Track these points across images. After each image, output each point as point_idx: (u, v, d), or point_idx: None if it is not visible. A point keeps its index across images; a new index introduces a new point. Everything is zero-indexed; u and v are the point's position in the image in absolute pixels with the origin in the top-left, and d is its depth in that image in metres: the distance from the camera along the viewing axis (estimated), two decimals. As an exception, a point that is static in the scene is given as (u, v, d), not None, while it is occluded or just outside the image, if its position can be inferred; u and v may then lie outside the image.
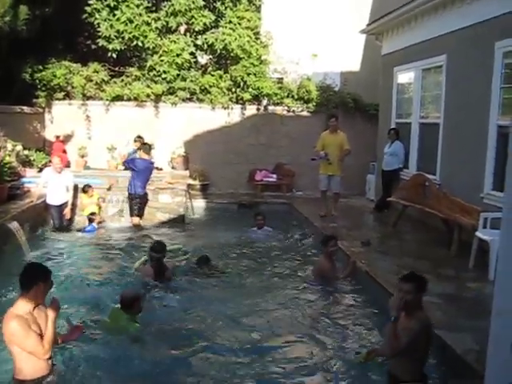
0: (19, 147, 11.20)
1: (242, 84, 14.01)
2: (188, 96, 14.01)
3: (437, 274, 6.89)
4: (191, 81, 13.94)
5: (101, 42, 13.49)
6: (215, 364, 5.04)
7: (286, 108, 14.44)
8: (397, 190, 10.63)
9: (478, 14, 8.49)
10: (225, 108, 14.22)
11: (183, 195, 11.66)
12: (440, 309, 5.63)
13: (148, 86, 13.75)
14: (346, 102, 14.33)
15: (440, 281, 6.57)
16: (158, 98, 13.91)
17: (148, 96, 13.77)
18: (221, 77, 14.16)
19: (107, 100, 13.76)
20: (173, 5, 13.59)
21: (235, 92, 14.16)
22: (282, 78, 14.93)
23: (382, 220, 11.27)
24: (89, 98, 13.82)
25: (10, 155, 10.63)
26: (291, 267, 8.22)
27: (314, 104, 14.39)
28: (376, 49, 13.52)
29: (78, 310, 6.12)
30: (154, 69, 13.69)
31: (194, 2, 13.53)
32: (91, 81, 13.62)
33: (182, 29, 14.36)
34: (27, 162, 11.50)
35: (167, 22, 13.82)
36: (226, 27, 13.88)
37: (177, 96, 13.90)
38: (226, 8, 14.24)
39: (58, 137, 13.23)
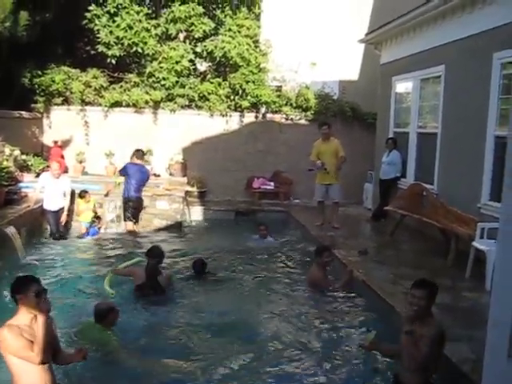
0: (17, 152, 11.18)
1: (240, 92, 14.04)
2: (187, 103, 14.03)
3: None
4: (190, 88, 13.96)
5: (100, 48, 13.51)
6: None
7: (284, 116, 14.47)
8: (394, 200, 10.63)
9: (476, 25, 8.54)
10: (223, 115, 14.24)
11: (181, 202, 11.66)
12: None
13: (147, 93, 13.77)
14: (344, 111, 14.37)
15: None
16: (156, 105, 13.92)
17: (147, 102, 13.79)
18: (219, 84, 14.19)
19: (106, 106, 13.76)
20: (173, 12, 13.64)
21: (234, 99, 14.18)
22: (280, 86, 14.96)
23: (379, 229, 11.27)
24: (87, 103, 13.82)
25: (7, 160, 10.61)
26: (288, 275, 8.21)
27: (313, 112, 14.42)
28: (375, 58, 13.57)
29: (72, 315, 6.10)
30: (153, 75, 13.71)
31: (193, 10, 13.58)
32: (90, 86, 13.62)
33: (182, 36, 14.40)
34: (25, 167, 11.49)
35: (167, 29, 13.86)
36: (225, 35, 13.92)
37: (175, 103, 13.91)
38: (225, 16, 14.29)
39: (56, 142, 13.22)
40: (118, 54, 13.52)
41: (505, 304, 2.99)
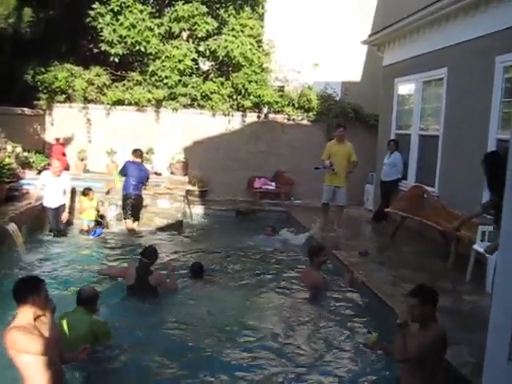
0: (19, 149, 11.19)
1: (243, 91, 14.05)
2: (189, 102, 14.04)
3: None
4: (192, 87, 13.97)
5: (103, 46, 13.53)
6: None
7: (286, 116, 14.47)
8: (395, 201, 10.63)
9: (479, 28, 8.54)
10: (225, 115, 14.24)
11: (182, 201, 11.66)
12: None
13: (149, 91, 13.78)
14: (346, 112, 14.37)
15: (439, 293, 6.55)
16: (158, 104, 13.93)
17: (149, 101, 13.80)
18: (222, 84, 14.20)
19: (108, 104, 13.77)
20: (176, 11, 13.65)
21: (236, 99, 14.19)
22: (283, 87, 14.98)
23: (379, 231, 11.27)
24: (90, 101, 13.83)
25: (9, 156, 10.62)
26: (285, 275, 8.18)
27: (315, 113, 14.43)
28: (377, 59, 13.58)
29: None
30: (156, 74, 13.73)
31: (197, 9, 13.59)
32: (93, 84, 13.64)
33: (185, 35, 14.42)
34: (26, 164, 11.50)
35: (170, 28, 13.88)
36: (228, 34, 13.93)
37: (178, 102, 13.92)
38: (229, 15, 14.30)
39: (57, 139, 13.23)
40: (121, 53, 13.53)
41: (506, 307, 2.99)
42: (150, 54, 13.74)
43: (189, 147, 14.14)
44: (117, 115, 13.96)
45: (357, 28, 14.54)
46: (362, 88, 15.45)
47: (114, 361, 5.18)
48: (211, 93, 13.98)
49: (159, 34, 13.79)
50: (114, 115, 13.98)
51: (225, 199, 13.87)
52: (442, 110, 9.88)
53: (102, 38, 13.43)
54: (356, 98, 14.80)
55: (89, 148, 13.73)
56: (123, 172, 10.47)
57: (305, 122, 14.54)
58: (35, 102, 13.63)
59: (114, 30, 13.37)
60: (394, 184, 11.38)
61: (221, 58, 13.93)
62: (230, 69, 14.49)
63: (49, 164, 11.84)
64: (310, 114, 14.45)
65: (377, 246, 9.94)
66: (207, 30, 13.83)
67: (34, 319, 3.89)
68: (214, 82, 14.18)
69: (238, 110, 14.33)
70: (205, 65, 15.18)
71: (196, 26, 13.78)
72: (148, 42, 13.53)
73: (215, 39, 13.96)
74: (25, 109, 12.82)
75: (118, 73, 14.27)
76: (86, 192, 10.64)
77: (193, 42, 14.27)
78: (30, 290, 3.91)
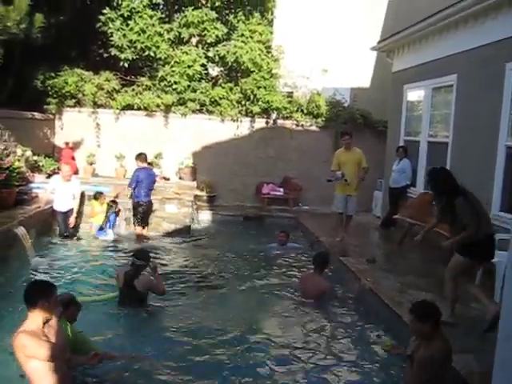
0: (29, 153, 11.26)
1: (251, 97, 14.06)
2: (198, 107, 14.07)
3: (441, 293, 6.85)
4: (201, 92, 14.01)
5: (113, 51, 13.60)
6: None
7: (295, 122, 14.47)
8: (403, 208, 10.59)
9: (489, 35, 8.52)
10: (234, 120, 14.27)
11: (190, 206, 11.68)
12: (444, 329, 5.58)
13: (158, 96, 13.82)
14: (355, 118, 14.34)
15: (444, 300, 6.51)
16: (167, 109, 13.97)
17: (158, 106, 13.85)
18: (231, 89, 14.23)
19: (117, 109, 13.83)
20: (186, 16, 13.70)
21: (245, 105, 14.21)
22: (291, 92, 14.98)
23: (387, 237, 11.23)
24: (99, 106, 13.90)
25: (19, 160, 10.67)
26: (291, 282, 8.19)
27: (324, 119, 14.42)
28: (386, 66, 13.57)
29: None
30: (165, 79, 13.77)
31: (206, 14, 13.64)
32: (102, 89, 13.70)
33: (194, 40, 14.47)
34: (36, 168, 11.56)
35: (179, 33, 13.93)
36: (237, 40, 13.97)
37: (187, 107, 13.96)
38: (238, 21, 14.34)
39: (67, 143, 13.32)
40: (130, 58, 13.60)
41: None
42: (160, 59, 13.80)
43: (197, 152, 14.17)
44: (126, 120, 14.01)
45: (366, 34, 14.53)
46: (371, 94, 15.43)
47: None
48: (220, 98, 14.01)
49: (169, 39, 13.85)
50: (123, 120, 14.03)
51: (233, 205, 13.87)
52: (451, 117, 9.85)
53: (112, 42, 13.51)
54: (365, 104, 14.78)
55: (98, 152, 13.79)
56: (134, 183, 10.24)
57: (313, 128, 14.53)
58: (45, 107, 13.70)
59: (124, 35, 13.44)
60: (402, 191, 11.34)
61: (230, 63, 13.96)
62: (238, 74, 14.52)
63: (58, 168, 11.92)
64: (319, 120, 14.45)
65: (385, 252, 9.90)
66: (216, 36, 13.86)
67: (43, 324, 3.90)
68: (223, 88, 14.21)
69: (246, 115, 14.35)
70: (214, 70, 15.21)
71: (205, 32, 13.83)
72: (157, 47, 13.59)
73: (224, 45, 13.99)
74: (35, 113, 12.90)
75: (128, 78, 14.34)
76: (97, 196, 10.68)
77: (202, 48, 14.32)
78: (40, 294, 3.92)
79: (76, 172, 12.42)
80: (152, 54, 13.67)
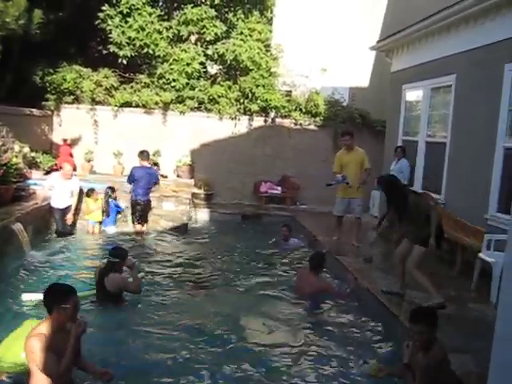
0: (26, 149, 11.23)
1: (250, 95, 14.05)
2: (196, 105, 14.06)
3: (441, 294, 6.86)
4: (200, 90, 14.00)
5: (112, 48, 13.56)
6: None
7: (293, 121, 14.47)
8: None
9: (489, 36, 8.52)
10: (232, 119, 14.26)
11: (187, 204, 11.67)
12: (440, 329, 5.57)
13: (157, 94, 13.81)
14: (353, 118, 14.36)
15: (445, 301, 6.53)
16: (166, 106, 13.96)
17: (156, 103, 13.83)
18: (230, 87, 14.22)
19: (116, 106, 13.81)
20: (185, 14, 13.68)
21: (243, 103, 14.20)
22: (290, 91, 14.97)
23: (384, 237, 11.21)
24: (98, 102, 13.87)
25: (17, 156, 10.64)
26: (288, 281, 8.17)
27: (322, 118, 14.42)
28: (385, 65, 13.57)
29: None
30: (164, 77, 13.75)
31: (205, 12, 13.62)
32: (101, 86, 13.67)
33: (193, 38, 14.45)
34: (34, 164, 11.53)
35: (179, 31, 13.91)
36: (236, 38, 13.95)
37: (185, 105, 13.95)
38: (237, 19, 14.32)
39: (65, 140, 13.28)
40: (129, 55, 13.57)
41: None
42: (159, 56, 13.77)
43: (195, 150, 14.16)
44: (124, 117, 13.99)
45: (365, 34, 14.55)
46: (370, 94, 15.45)
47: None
48: (218, 96, 14.00)
49: (168, 36, 13.82)
50: (121, 117, 14.01)
51: (230, 203, 13.86)
52: (449, 117, 9.85)
53: (111, 39, 13.47)
54: (363, 103, 14.81)
55: (96, 149, 13.76)
56: (131, 180, 10.40)
57: (312, 126, 14.54)
58: (43, 103, 13.67)
59: (123, 32, 13.41)
60: (400, 190, 11.33)
61: (229, 61, 13.94)
62: (237, 73, 14.51)
63: (56, 164, 11.91)
64: (317, 119, 14.45)
65: (382, 252, 9.90)
66: (215, 34, 13.84)
67: (60, 329, 3.85)
68: (222, 86, 14.20)
69: (244, 113, 14.35)
70: (213, 68, 15.20)
71: (204, 30, 13.81)
72: (156, 44, 13.57)
73: (223, 43, 13.97)
74: (33, 109, 12.87)
75: (126, 75, 14.31)
76: (89, 193, 10.67)
77: (201, 46, 14.30)
78: (57, 298, 3.85)
79: (74, 169, 12.38)
80: (151, 52, 13.64)
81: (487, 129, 8.39)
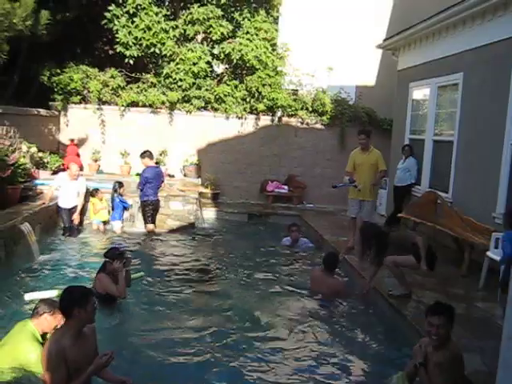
0: (34, 149, 11.28)
1: (256, 94, 14.05)
2: (203, 105, 14.07)
3: (446, 293, 6.86)
4: (206, 89, 14.00)
5: (118, 48, 13.60)
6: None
7: (299, 120, 14.46)
8: (408, 207, 10.55)
9: (496, 33, 8.48)
10: (239, 118, 14.26)
11: (194, 203, 11.69)
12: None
13: (163, 93, 13.83)
14: (360, 116, 14.33)
15: (449, 300, 6.45)
16: (172, 106, 13.97)
17: (163, 103, 13.85)
18: (236, 87, 14.22)
19: (122, 105, 13.84)
20: (191, 13, 13.69)
21: (250, 102, 14.20)
22: (297, 90, 14.95)
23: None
24: (104, 102, 13.91)
25: (24, 157, 10.71)
26: (295, 280, 8.17)
27: (328, 117, 14.39)
28: (392, 64, 13.53)
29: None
30: (170, 76, 13.77)
31: (212, 12, 13.62)
32: (107, 86, 13.71)
33: (200, 37, 14.46)
34: (41, 164, 11.58)
35: (185, 31, 13.92)
36: (243, 38, 13.95)
37: (192, 104, 13.96)
38: (243, 19, 14.31)
39: (72, 140, 13.32)
40: (135, 55, 13.59)
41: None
42: (165, 56, 13.79)
43: (202, 149, 14.18)
44: (131, 117, 14.02)
45: (371, 32, 14.52)
46: (377, 92, 15.41)
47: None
48: (225, 95, 14.00)
49: (174, 36, 13.84)
50: (128, 117, 14.04)
51: (237, 202, 13.86)
52: (456, 116, 9.81)
53: (118, 39, 13.50)
54: (370, 102, 14.77)
55: (103, 149, 13.80)
56: (145, 180, 10.32)
57: (318, 125, 14.51)
58: (50, 103, 13.73)
59: (130, 32, 13.44)
60: (407, 189, 11.32)
61: (235, 61, 13.94)
62: (244, 72, 14.50)
63: (63, 164, 11.94)
64: (324, 117, 14.41)
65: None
66: (222, 33, 13.84)
67: (79, 332, 3.83)
68: (228, 85, 14.21)
69: (251, 113, 14.34)
70: (219, 68, 15.21)
71: (211, 29, 13.81)
72: (163, 44, 13.59)
73: (230, 42, 13.97)
74: (40, 110, 12.91)
75: (133, 74, 14.33)
76: (94, 193, 10.70)
77: (207, 45, 14.31)
78: (76, 302, 3.79)
79: (81, 169, 12.43)
80: (157, 51, 13.67)
81: (495, 126, 8.34)
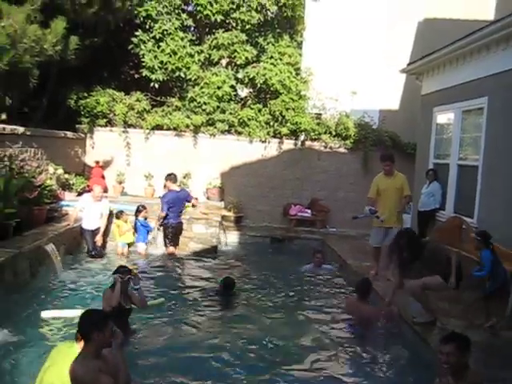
0: (60, 171, 11.46)
1: (280, 118, 14.14)
2: (226, 128, 14.18)
3: (469, 320, 6.72)
4: (230, 113, 14.13)
5: (144, 72, 13.85)
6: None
7: (323, 144, 14.46)
8: (432, 232, 10.43)
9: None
10: (262, 141, 14.33)
11: (217, 226, 11.71)
12: (471, 357, 5.46)
13: (188, 117, 13.99)
14: (383, 140, 14.28)
15: (472, 327, 6.38)
16: (196, 129, 14.11)
17: (187, 126, 13.99)
18: (260, 110, 14.33)
19: (147, 128, 14.02)
20: (216, 38, 13.90)
21: (273, 126, 14.28)
22: (320, 114, 15.00)
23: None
24: (130, 125, 14.11)
25: (51, 178, 10.89)
26: (321, 305, 8.11)
27: (352, 141, 14.37)
28: (416, 88, 13.49)
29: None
30: (195, 100, 13.94)
31: (236, 37, 13.81)
32: (133, 109, 13.93)
33: (224, 62, 14.65)
34: (66, 186, 11.74)
35: (210, 55, 14.12)
36: (267, 62, 14.10)
37: (215, 127, 14.08)
38: (268, 43, 14.47)
39: (97, 162, 13.51)
40: (161, 79, 13.82)
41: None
42: (190, 80, 13.99)
43: (225, 173, 14.25)
44: (155, 140, 14.19)
45: (395, 56, 14.52)
46: (400, 116, 15.38)
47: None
48: (249, 119, 14.10)
49: (199, 60, 14.05)
50: (152, 140, 14.21)
51: (260, 226, 13.85)
52: (481, 140, 9.71)
53: (144, 63, 13.76)
54: (394, 126, 14.72)
55: (127, 171, 13.97)
56: (165, 206, 10.28)
57: (341, 149, 14.50)
58: (77, 126, 13.98)
59: (155, 57, 13.69)
60: (431, 214, 11.19)
61: (259, 85, 14.08)
62: (267, 96, 14.62)
63: (88, 186, 12.09)
64: (347, 141, 14.40)
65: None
66: (246, 58, 14.01)
67: (97, 354, 3.84)
68: (252, 109, 14.32)
69: (274, 136, 14.41)
70: (243, 91, 15.35)
71: (235, 54, 13.99)
72: (188, 68, 13.79)
73: (254, 67, 14.12)
74: (67, 132, 13.15)
75: (158, 98, 14.55)
76: (119, 215, 10.76)
77: (232, 69, 14.49)
78: (94, 326, 3.80)
79: (105, 190, 12.58)
80: (182, 75, 13.88)
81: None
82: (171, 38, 13.76)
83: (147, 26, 13.87)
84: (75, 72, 13.02)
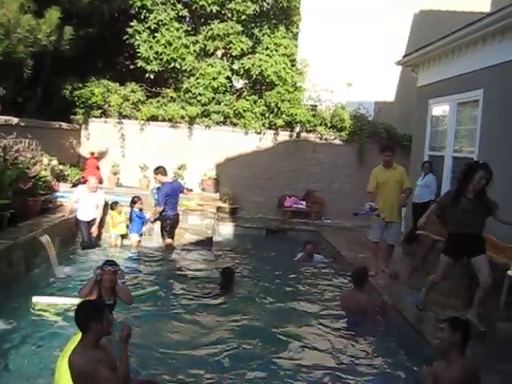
0: (55, 162, 11.40)
1: (275, 110, 14.11)
2: (222, 119, 14.15)
3: (466, 312, 6.74)
4: (226, 104, 14.10)
5: (139, 63, 13.79)
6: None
7: (318, 136, 14.45)
8: (427, 224, 10.43)
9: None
10: (258, 133, 14.31)
11: (212, 217, 11.71)
12: (467, 349, 5.49)
13: (183, 108, 13.94)
14: (378, 132, 14.29)
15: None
16: (192, 120, 14.07)
17: (182, 117, 13.95)
18: (255, 102, 14.29)
19: (142, 120, 13.97)
20: (212, 29, 13.84)
21: (268, 117, 14.26)
22: (315, 106, 14.98)
23: (411, 253, 11.09)
24: (124, 116, 14.06)
25: (45, 169, 10.83)
26: (316, 297, 8.13)
27: (347, 133, 14.37)
28: (411, 80, 13.49)
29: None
30: (190, 91, 13.89)
31: (232, 28, 13.75)
32: (128, 100, 13.87)
33: (220, 53, 14.59)
34: (61, 177, 11.69)
35: (205, 46, 14.07)
36: (262, 53, 14.06)
37: (211, 119, 14.05)
38: (263, 35, 14.42)
39: (92, 153, 13.46)
40: (156, 69, 13.76)
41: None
42: (185, 71, 13.93)
43: (220, 164, 14.23)
44: (150, 131, 14.15)
45: (391, 48, 14.50)
46: (396, 108, 15.38)
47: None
48: (244, 111, 14.07)
49: (194, 51, 13.99)
50: (147, 131, 14.17)
51: (255, 217, 13.86)
52: (477, 132, 9.72)
53: (139, 54, 13.69)
54: (389, 118, 14.73)
55: (122, 162, 13.93)
56: (165, 197, 10.21)
57: (337, 141, 14.50)
58: (72, 117, 13.91)
59: (151, 47, 13.62)
60: (426, 206, 11.18)
61: (254, 76, 14.04)
62: (263, 87, 14.59)
63: (83, 177, 12.05)
64: (343, 133, 14.40)
65: (408, 268, 9.77)
66: (242, 49, 13.96)
67: (96, 344, 3.86)
68: (247, 100, 14.29)
69: (270, 128, 14.39)
70: (238, 83, 15.32)
71: (231, 45, 13.94)
72: (183, 59, 13.74)
73: (249, 58, 14.07)
74: (62, 123, 13.09)
75: (153, 89, 14.49)
76: (114, 206, 10.74)
77: (227, 60, 14.44)
78: (92, 316, 3.83)
79: (100, 182, 12.53)
80: (177, 66, 13.82)
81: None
82: (166, 29, 13.69)
83: (142, 17, 13.79)
84: (70, 62, 12.95)
